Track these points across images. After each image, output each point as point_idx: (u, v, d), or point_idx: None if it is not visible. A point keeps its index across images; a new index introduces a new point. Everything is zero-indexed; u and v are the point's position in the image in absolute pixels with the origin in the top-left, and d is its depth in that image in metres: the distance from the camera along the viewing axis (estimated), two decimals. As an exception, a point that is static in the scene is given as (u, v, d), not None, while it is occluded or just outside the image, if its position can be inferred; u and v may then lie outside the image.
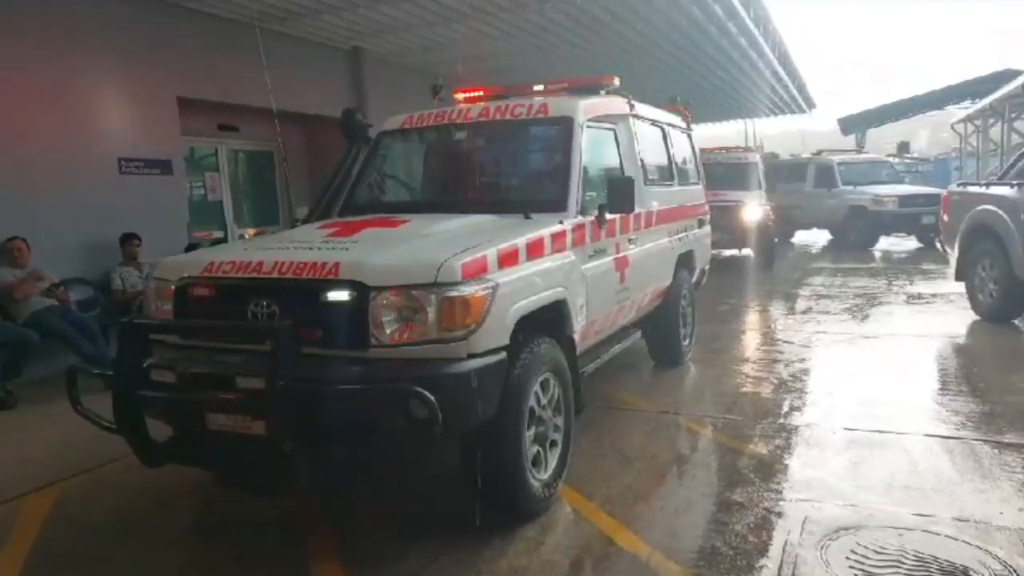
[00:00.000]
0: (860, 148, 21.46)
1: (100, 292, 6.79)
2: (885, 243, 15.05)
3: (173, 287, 3.15)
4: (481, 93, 4.88)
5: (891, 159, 20.10)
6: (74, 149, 6.72)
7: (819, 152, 17.11)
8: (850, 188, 14.84)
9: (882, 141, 30.99)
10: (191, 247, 6.96)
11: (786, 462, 3.84)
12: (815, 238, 17.29)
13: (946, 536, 2.95)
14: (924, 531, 3.00)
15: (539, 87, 4.80)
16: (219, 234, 9.18)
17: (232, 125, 9.16)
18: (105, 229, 6.85)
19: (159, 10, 7.53)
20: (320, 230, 3.64)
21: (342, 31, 9.43)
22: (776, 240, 15.81)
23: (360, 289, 2.77)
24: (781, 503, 3.33)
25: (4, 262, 6.03)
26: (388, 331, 2.76)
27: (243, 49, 7.36)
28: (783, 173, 16.71)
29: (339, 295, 2.80)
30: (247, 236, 9.10)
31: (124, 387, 2.84)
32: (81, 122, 6.82)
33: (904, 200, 13.95)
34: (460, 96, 4.88)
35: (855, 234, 14.71)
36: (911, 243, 14.94)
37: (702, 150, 7.58)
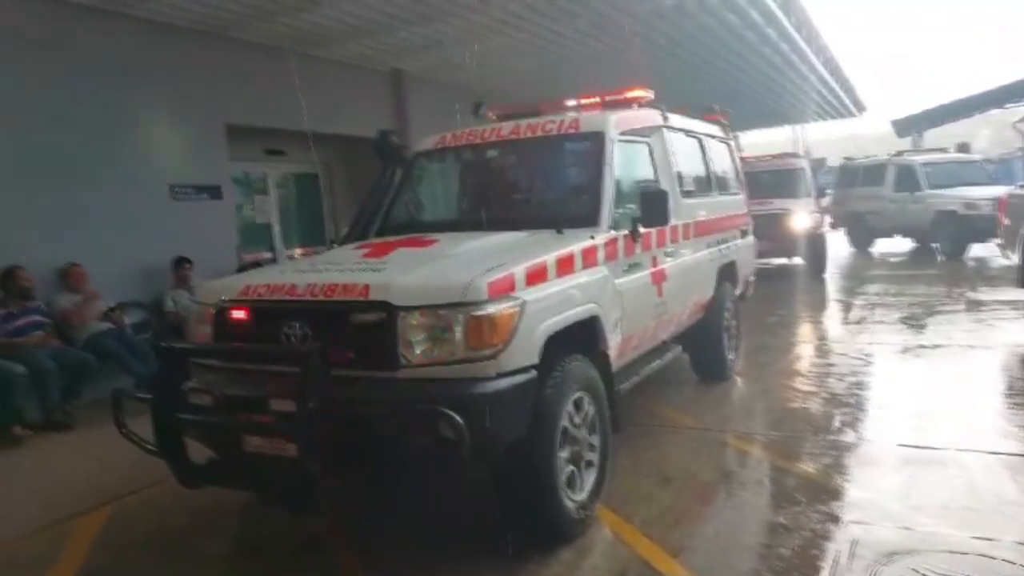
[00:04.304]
0: (942, 148, 19.69)
1: (153, 314, 7.04)
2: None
3: (212, 310, 3.23)
4: (516, 110, 4.89)
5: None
6: (127, 177, 7.00)
7: (900, 152, 15.76)
8: (937, 191, 13.26)
9: (940, 142, 29.84)
10: (242, 268, 7.14)
11: (836, 481, 3.68)
12: (896, 246, 15.27)
13: (1004, 560, 2.77)
14: (982, 555, 2.83)
15: (572, 102, 4.78)
16: (268, 255, 9.40)
17: (279, 149, 9.42)
18: (157, 253, 7.10)
19: (207, 41, 7.81)
20: (354, 251, 3.71)
21: (381, 53, 9.60)
22: (850, 249, 14.92)
23: (389, 310, 2.78)
24: (829, 525, 3.19)
25: (63, 288, 6.30)
26: (417, 351, 2.76)
27: (287, 76, 7.56)
28: (858, 176, 15.61)
29: (368, 316, 2.82)
30: (296, 256, 9.29)
31: (163, 410, 2.91)
32: (134, 151, 7.10)
33: None
34: (492, 115, 4.90)
35: (944, 242, 13.22)
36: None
37: (746, 158, 7.41)
